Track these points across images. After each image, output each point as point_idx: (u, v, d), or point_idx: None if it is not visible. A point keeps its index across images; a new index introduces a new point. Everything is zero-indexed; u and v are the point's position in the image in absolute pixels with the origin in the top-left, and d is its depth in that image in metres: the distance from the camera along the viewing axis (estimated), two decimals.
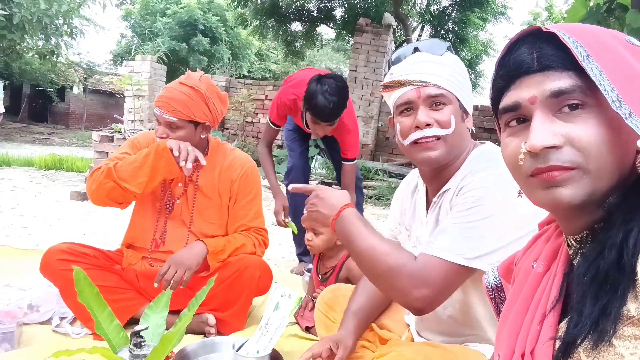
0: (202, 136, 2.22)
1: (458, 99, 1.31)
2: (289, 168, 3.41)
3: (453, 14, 14.19)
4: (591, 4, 4.91)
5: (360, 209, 3.64)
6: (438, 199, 1.38)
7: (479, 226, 1.18)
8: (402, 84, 1.31)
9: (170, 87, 2.15)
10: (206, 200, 2.28)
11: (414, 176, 1.58)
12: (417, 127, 1.29)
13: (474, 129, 1.42)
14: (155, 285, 2.02)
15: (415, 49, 1.34)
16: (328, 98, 2.68)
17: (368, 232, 1.25)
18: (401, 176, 7.88)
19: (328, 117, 2.77)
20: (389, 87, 1.35)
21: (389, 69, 1.40)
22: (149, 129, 7.24)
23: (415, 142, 1.31)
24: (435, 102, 1.28)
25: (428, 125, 1.28)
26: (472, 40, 15.01)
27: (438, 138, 1.29)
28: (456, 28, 14.53)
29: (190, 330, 2.10)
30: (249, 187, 2.31)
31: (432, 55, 1.31)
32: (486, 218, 1.18)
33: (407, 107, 1.31)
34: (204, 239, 2.18)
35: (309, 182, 3.50)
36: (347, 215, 1.29)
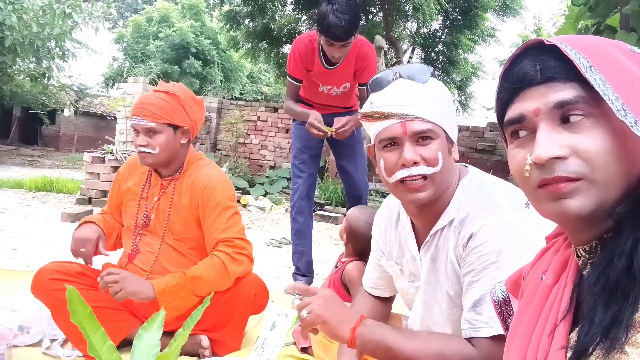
0: (183, 141, 2.16)
1: (445, 131, 1.25)
2: (293, 189, 3.31)
3: (443, 37, 14.37)
4: (579, 26, 4.99)
5: None
6: (431, 237, 1.32)
7: None
8: (385, 116, 1.22)
9: (144, 95, 2.14)
10: (175, 215, 2.20)
11: (394, 205, 1.51)
12: (404, 165, 1.21)
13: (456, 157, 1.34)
14: (98, 279, 1.94)
15: (396, 75, 1.25)
16: (339, 16, 2.65)
17: (405, 332, 1.21)
18: None
19: (341, 36, 2.73)
20: (369, 117, 1.26)
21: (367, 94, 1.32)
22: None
23: (401, 181, 1.23)
24: (422, 137, 1.21)
25: (415, 163, 1.20)
26: (462, 62, 15.14)
27: (425, 177, 1.22)
28: (446, 50, 14.67)
29: (184, 352, 2.06)
30: (213, 202, 2.15)
31: (415, 83, 1.23)
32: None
33: (392, 142, 1.24)
34: (154, 283, 1.99)
35: (312, 208, 3.40)
36: (370, 322, 1.22)
